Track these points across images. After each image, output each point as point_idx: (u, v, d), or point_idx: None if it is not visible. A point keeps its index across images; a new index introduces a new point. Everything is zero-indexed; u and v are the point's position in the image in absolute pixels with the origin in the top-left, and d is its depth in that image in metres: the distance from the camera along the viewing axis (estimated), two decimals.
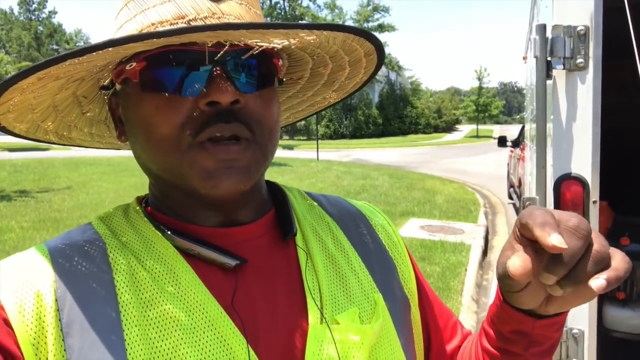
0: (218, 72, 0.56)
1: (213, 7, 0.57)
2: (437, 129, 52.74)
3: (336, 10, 44.62)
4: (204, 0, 0.56)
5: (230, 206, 0.62)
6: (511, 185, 9.24)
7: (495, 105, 50.81)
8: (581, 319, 1.75)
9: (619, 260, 0.49)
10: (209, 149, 0.56)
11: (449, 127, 56.84)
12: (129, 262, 0.58)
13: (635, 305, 2.91)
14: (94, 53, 0.48)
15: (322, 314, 0.61)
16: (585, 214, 1.71)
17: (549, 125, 1.77)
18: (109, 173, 13.59)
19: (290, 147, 27.73)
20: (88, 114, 0.68)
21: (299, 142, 34.84)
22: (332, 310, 0.62)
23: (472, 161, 19.27)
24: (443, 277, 5.04)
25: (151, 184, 0.66)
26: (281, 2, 45.17)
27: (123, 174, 13.23)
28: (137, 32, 0.57)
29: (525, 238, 0.51)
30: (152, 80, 0.56)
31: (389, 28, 43.48)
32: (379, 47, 0.64)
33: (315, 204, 0.75)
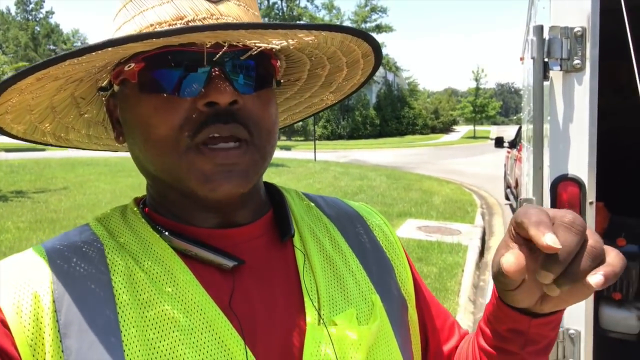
0: (217, 72, 0.56)
1: (211, 8, 0.57)
2: (434, 130, 52.83)
3: (334, 11, 44.71)
4: (202, 1, 0.56)
5: (229, 208, 0.62)
6: (508, 186, 9.26)
7: (492, 106, 50.90)
8: (578, 319, 1.75)
9: (613, 257, 0.49)
10: (206, 153, 0.56)
11: (446, 128, 56.94)
12: (126, 263, 0.58)
13: (632, 305, 2.92)
14: (93, 53, 0.48)
15: (319, 315, 0.61)
16: (581, 214, 1.72)
17: (546, 126, 1.78)
18: (106, 173, 13.56)
19: (287, 148, 27.74)
20: (86, 115, 0.68)
21: (297, 143, 34.84)
22: (329, 311, 0.62)
23: (469, 162, 19.31)
24: (440, 277, 5.04)
25: (149, 185, 0.66)
26: (279, 2, 45.18)
27: (120, 174, 13.21)
28: (135, 33, 0.57)
29: (521, 237, 0.51)
30: (150, 81, 0.56)
31: (387, 29, 43.57)
32: (376, 48, 0.64)
33: (313, 205, 0.75)
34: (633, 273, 2.87)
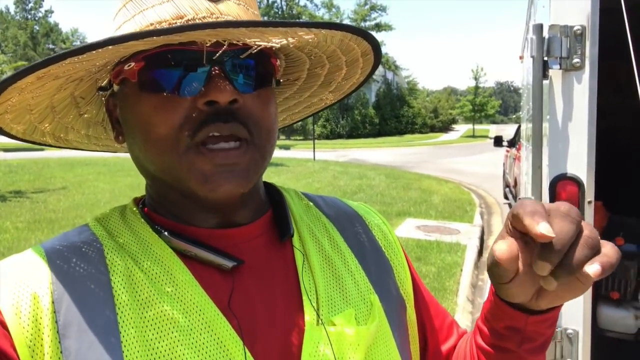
0: (216, 71, 0.56)
1: (211, 7, 0.57)
2: (433, 129, 52.85)
3: (333, 10, 44.68)
4: (202, 0, 0.56)
5: (229, 208, 0.62)
6: (507, 185, 9.26)
7: (491, 105, 50.98)
8: (575, 319, 1.75)
9: (609, 248, 0.49)
10: (206, 154, 0.56)
11: (446, 127, 56.98)
12: (126, 263, 0.57)
13: (629, 305, 2.93)
14: (94, 51, 0.48)
15: (318, 315, 0.61)
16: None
17: (545, 125, 1.78)
18: (105, 173, 13.55)
19: (287, 147, 27.72)
20: (85, 115, 0.68)
21: (296, 142, 34.83)
22: (328, 311, 0.62)
23: (468, 161, 19.32)
24: (439, 277, 5.05)
25: (148, 185, 0.66)
26: (278, 1, 45.16)
27: (119, 174, 13.20)
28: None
29: (517, 231, 0.52)
30: (150, 80, 0.56)
31: (386, 27, 43.54)
32: (376, 46, 0.64)
33: (312, 204, 0.75)
34: (631, 272, 2.88)
